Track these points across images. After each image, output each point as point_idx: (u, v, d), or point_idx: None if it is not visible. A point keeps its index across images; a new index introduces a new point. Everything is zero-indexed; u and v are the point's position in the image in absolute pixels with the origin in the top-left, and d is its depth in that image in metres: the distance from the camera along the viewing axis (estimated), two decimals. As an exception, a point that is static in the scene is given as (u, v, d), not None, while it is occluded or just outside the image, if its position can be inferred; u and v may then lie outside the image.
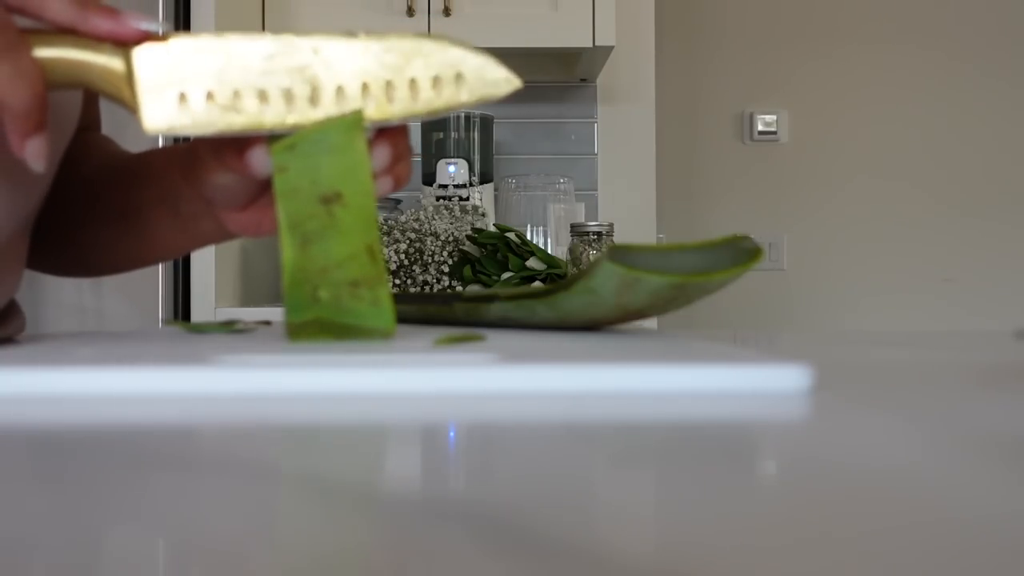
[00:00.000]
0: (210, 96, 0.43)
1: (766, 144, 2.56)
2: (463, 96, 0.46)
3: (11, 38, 0.40)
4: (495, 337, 0.46)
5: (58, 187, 0.61)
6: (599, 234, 1.63)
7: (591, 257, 1.73)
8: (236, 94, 0.43)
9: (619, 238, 2.08)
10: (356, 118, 0.44)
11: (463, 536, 0.15)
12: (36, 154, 0.41)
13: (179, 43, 0.44)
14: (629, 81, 2.17)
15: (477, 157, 2.06)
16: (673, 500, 0.18)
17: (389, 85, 0.45)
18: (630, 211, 2.17)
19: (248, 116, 0.44)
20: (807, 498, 0.18)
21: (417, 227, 1.69)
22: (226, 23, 1.71)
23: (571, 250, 1.65)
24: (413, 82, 0.45)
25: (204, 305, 1.69)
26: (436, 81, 0.46)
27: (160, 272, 1.58)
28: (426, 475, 0.21)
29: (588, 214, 2.13)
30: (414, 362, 0.32)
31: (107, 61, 0.43)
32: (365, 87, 0.45)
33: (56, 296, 1.48)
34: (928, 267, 2.56)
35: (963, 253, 2.56)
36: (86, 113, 0.67)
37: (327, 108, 0.44)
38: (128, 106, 0.44)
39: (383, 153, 0.48)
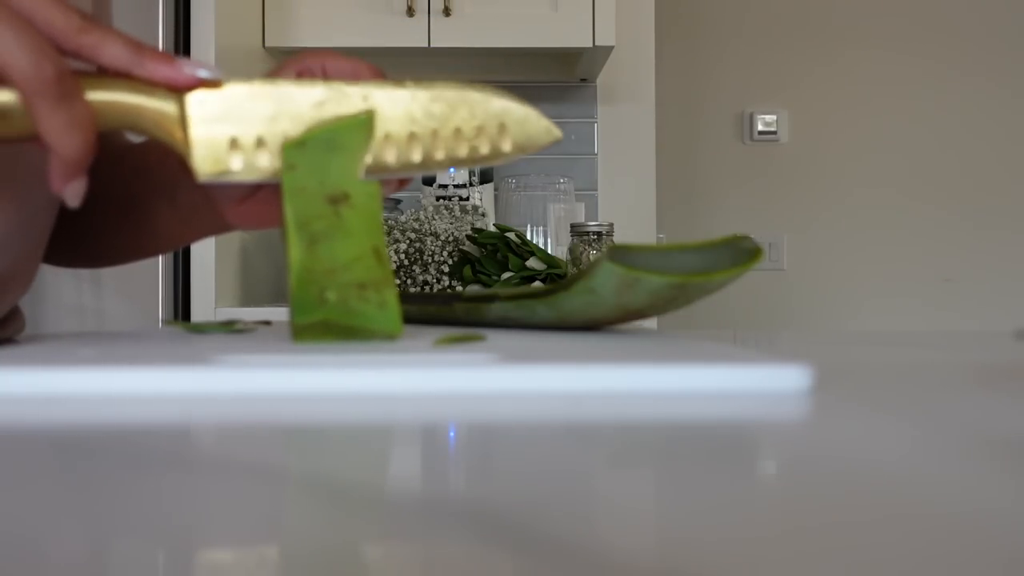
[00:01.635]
0: (260, 143, 0.44)
1: (766, 144, 2.56)
2: (506, 146, 0.47)
3: (68, 86, 0.40)
4: (495, 337, 0.46)
5: None
6: (599, 234, 1.63)
7: (591, 257, 1.73)
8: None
9: (619, 238, 2.08)
10: (368, 118, 0.45)
11: (463, 536, 0.15)
12: (75, 194, 0.42)
13: (232, 89, 0.44)
14: (629, 81, 2.17)
15: (477, 157, 2.05)
16: (673, 500, 0.18)
17: (435, 134, 0.46)
18: (630, 211, 2.17)
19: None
20: (807, 498, 0.18)
21: (417, 227, 1.69)
22: (226, 23, 1.71)
23: (571, 250, 1.65)
24: (458, 131, 0.46)
25: (204, 305, 1.69)
26: (480, 131, 0.47)
27: (160, 272, 1.58)
28: (426, 475, 0.21)
29: (588, 214, 2.13)
30: (415, 362, 0.32)
31: (161, 106, 0.43)
32: (412, 135, 0.46)
33: (56, 296, 1.48)
34: (928, 267, 2.56)
35: (963, 253, 2.56)
36: None
37: (376, 156, 0.45)
38: (179, 150, 0.44)
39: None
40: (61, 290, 1.51)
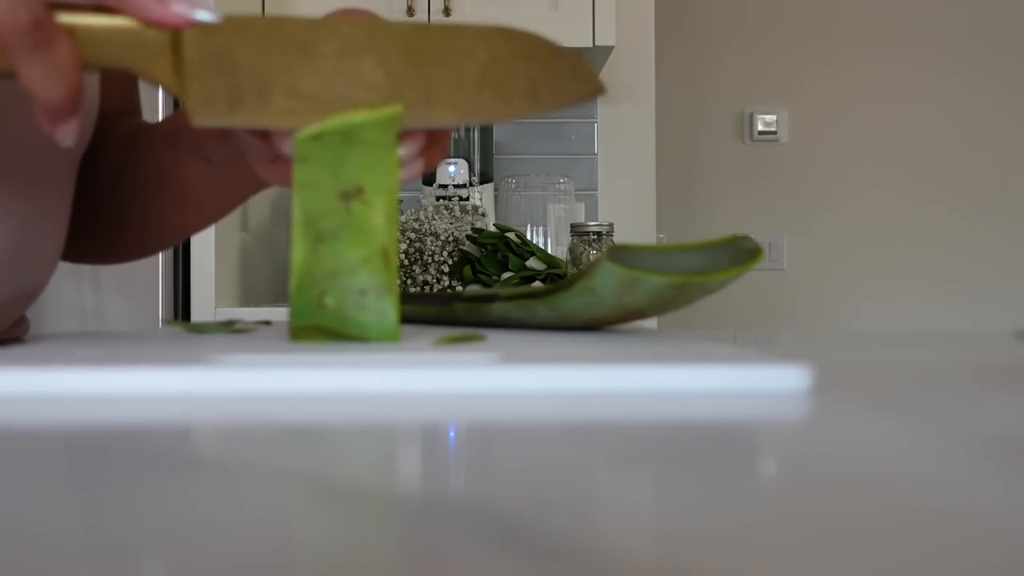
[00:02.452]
0: (262, 91, 0.41)
1: (766, 144, 2.56)
2: (543, 99, 0.44)
3: (46, 33, 0.37)
4: (495, 337, 0.46)
5: (87, 174, 0.61)
6: (599, 234, 1.63)
7: (591, 257, 1.73)
8: (290, 93, 0.41)
9: (619, 238, 2.08)
10: (394, 115, 0.42)
11: (463, 535, 0.15)
12: (67, 135, 0.40)
13: (231, 25, 0.41)
14: (629, 81, 2.17)
15: (477, 157, 2.06)
16: (673, 500, 0.18)
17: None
18: (630, 211, 2.17)
19: (300, 117, 0.42)
20: (807, 498, 0.18)
21: (417, 227, 1.69)
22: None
23: (571, 250, 1.65)
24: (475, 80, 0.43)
25: (204, 305, 1.69)
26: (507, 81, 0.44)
27: (160, 272, 1.58)
28: (427, 475, 0.21)
29: (588, 214, 2.13)
30: (415, 362, 0.32)
31: (152, 46, 0.40)
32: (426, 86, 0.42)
33: (57, 297, 1.49)
34: (928, 267, 2.56)
35: (963, 253, 2.56)
36: (124, 97, 0.67)
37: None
38: (173, 93, 0.41)
39: (415, 145, 0.46)
40: (61, 291, 1.51)
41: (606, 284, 0.44)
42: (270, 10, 1.94)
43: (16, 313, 0.58)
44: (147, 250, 0.70)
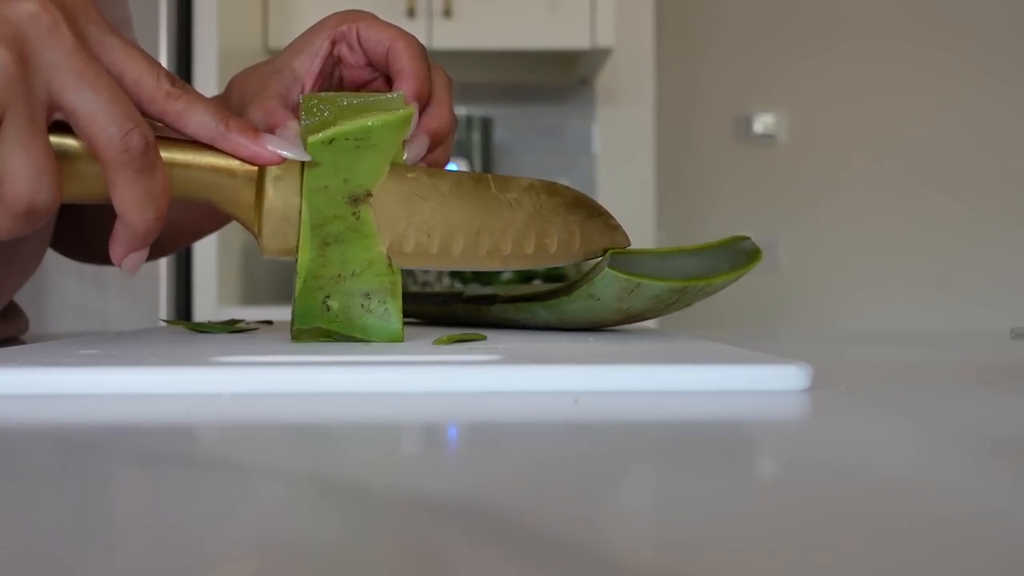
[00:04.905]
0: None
1: (764, 145, 2.56)
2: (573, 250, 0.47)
3: (152, 159, 0.38)
4: (496, 337, 0.46)
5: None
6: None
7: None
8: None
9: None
10: (407, 117, 0.43)
11: (463, 535, 0.15)
12: (133, 265, 0.41)
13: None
14: (628, 83, 2.17)
15: (477, 158, 2.06)
16: (672, 499, 0.18)
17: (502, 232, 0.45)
18: (629, 211, 2.17)
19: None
20: (806, 497, 0.18)
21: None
22: (228, 25, 1.71)
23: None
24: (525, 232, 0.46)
25: (206, 305, 1.69)
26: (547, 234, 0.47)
27: (163, 272, 1.58)
28: (427, 474, 0.21)
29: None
30: (415, 362, 0.32)
31: (238, 181, 0.42)
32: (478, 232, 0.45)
33: (59, 296, 1.49)
34: (925, 267, 2.56)
35: (960, 253, 2.56)
36: None
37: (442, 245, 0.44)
38: (247, 227, 0.43)
39: (420, 146, 0.46)
40: (64, 290, 1.51)
41: (607, 290, 0.44)
42: (273, 12, 1.94)
43: (9, 292, 0.59)
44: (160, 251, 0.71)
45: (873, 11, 2.56)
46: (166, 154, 0.40)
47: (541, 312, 0.49)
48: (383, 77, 0.52)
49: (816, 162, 2.56)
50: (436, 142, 0.48)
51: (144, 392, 0.30)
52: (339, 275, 0.43)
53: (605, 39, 1.93)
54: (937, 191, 2.56)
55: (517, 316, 0.51)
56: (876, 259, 2.56)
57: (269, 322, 0.63)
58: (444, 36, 1.89)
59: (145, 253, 0.40)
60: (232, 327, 0.53)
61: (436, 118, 0.48)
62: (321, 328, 0.43)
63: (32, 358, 0.33)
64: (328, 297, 0.43)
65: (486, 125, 2.07)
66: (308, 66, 0.51)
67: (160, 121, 0.40)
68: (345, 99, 0.45)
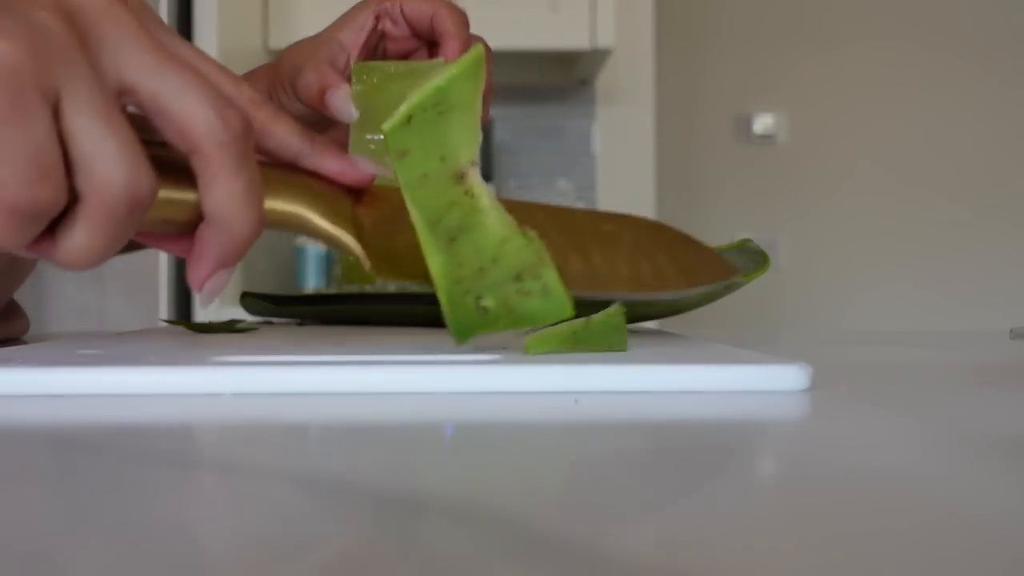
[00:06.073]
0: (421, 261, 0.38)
1: (764, 145, 2.56)
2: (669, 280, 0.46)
3: (251, 146, 0.32)
4: (496, 336, 0.46)
5: None
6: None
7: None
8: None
9: (619, 239, 2.07)
10: (478, 59, 0.35)
11: (463, 535, 0.15)
12: (216, 288, 0.34)
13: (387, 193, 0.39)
14: (628, 83, 2.17)
15: (478, 157, 2.05)
16: (672, 499, 0.18)
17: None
18: (629, 211, 2.17)
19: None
20: (806, 497, 0.18)
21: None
22: (229, 25, 1.71)
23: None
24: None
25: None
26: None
27: (163, 272, 1.58)
28: (427, 474, 0.21)
29: (588, 215, 2.12)
30: (416, 362, 0.32)
31: (333, 203, 0.37)
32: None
33: (59, 296, 1.49)
34: (925, 268, 2.56)
35: (959, 254, 2.56)
36: None
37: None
38: (348, 251, 0.38)
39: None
40: (64, 290, 1.51)
41: None
42: (273, 12, 1.94)
43: (8, 291, 0.59)
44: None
45: (873, 12, 2.56)
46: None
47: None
48: (426, 47, 0.54)
49: (816, 162, 2.56)
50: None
51: (144, 392, 0.30)
52: (480, 268, 0.36)
53: (605, 39, 1.93)
54: (937, 192, 2.56)
55: None
56: (876, 259, 2.56)
57: (270, 322, 0.63)
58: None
59: (232, 272, 0.34)
60: (233, 327, 0.53)
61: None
62: (485, 333, 0.38)
63: (32, 358, 0.33)
64: (479, 298, 0.37)
65: (485, 125, 2.07)
66: (354, 39, 0.52)
67: None
68: (393, 67, 0.45)
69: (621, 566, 0.14)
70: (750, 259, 0.47)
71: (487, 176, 2.07)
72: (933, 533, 0.16)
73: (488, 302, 0.37)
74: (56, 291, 1.50)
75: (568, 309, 0.37)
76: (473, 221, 0.36)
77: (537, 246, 0.36)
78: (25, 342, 0.56)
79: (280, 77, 0.54)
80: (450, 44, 0.50)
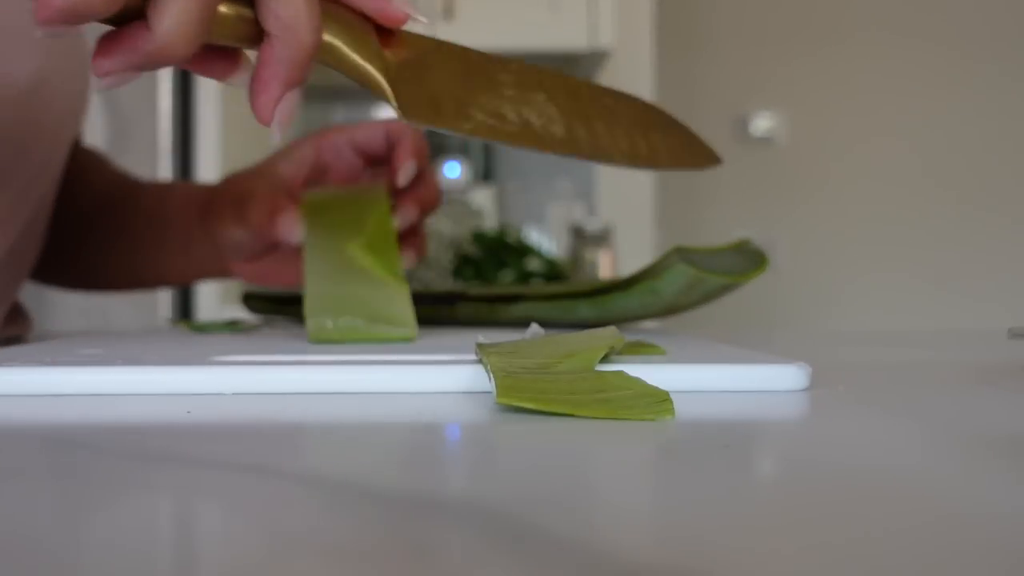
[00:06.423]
0: (461, 106, 0.40)
1: (763, 146, 2.56)
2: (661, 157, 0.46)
3: None
4: (496, 335, 0.46)
5: (61, 207, 0.62)
6: (598, 234, 1.63)
7: (591, 257, 1.73)
8: (486, 111, 0.41)
9: (619, 238, 2.08)
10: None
11: (463, 535, 0.15)
12: (286, 116, 0.35)
13: (425, 44, 0.41)
14: (628, 84, 2.17)
15: (478, 157, 2.06)
16: (671, 498, 0.19)
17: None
18: (629, 212, 2.17)
19: (498, 133, 0.41)
20: (805, 497, 0.18)
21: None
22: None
23: (571, 250, 1.65)
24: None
25: (208, 304, 1.69)
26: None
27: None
28: (428, 474, 0.21)
29: (587, 214, 2.13)
30: (416, 361, 0.32)
31: (362, 41, 0.37)
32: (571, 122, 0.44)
33: (62, 295, 1.49)
34: (924, 267, 2.56)
35: (960, 254, 2.56)
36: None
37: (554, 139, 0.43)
38: (375, 87, 0.38)
39: (408, 170, 0.53)
40: (94, 293, 1.51)
41: (672, 285, 0.45)
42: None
43: (11, 293, 0.59)
44: (100, 290, 0.74)
45: (873, 12, 2.56)
46: None
47: (583, 309, 0.49)
48: (368, 169, 0.58)
49: (815, 163, 2.56)
50: (421, 165, 0.55)
51: (145, 392, 0.30)
52: (344, 306, 0.44)
53: (604, 40, 1.93)
54: (936, 192, 2.56)
55: (549, 314, 0.51)
56: (874, 259, 2.56)
57: (271, 322, 0.63)
58: (445, 37, 1.89)
59: (297, 98, 0.35)
60: (234, 327, 0.53)
61: (415, 150, 0.54)
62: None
63: (34, 357, 0.33)
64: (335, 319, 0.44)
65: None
66: (295, 171, 0.56)
67: None
68: (338, 194, 0.52)
69: (620, 566, 0.14)
70: (749, 259, 0.47)
71: (487, 176, 2.07)
72: (932, 533, 0.16)
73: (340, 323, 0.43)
74: (59, 291, 1.50)
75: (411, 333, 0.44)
76: (359, 277, 0.46)
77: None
78: (27, 341, 0.56)
79: (221, 206, 0.57)
80: (403, 143, 0.55)
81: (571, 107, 0.43)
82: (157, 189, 0.66)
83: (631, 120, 0.46)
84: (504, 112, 0.41)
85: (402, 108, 0.38)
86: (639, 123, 0.46)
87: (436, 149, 2.03)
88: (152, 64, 0.32)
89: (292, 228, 0.53)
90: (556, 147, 0.42)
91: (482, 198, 1.99)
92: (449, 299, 0.56)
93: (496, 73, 0.42)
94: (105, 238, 0.65)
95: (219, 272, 0.62)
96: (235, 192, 0.57)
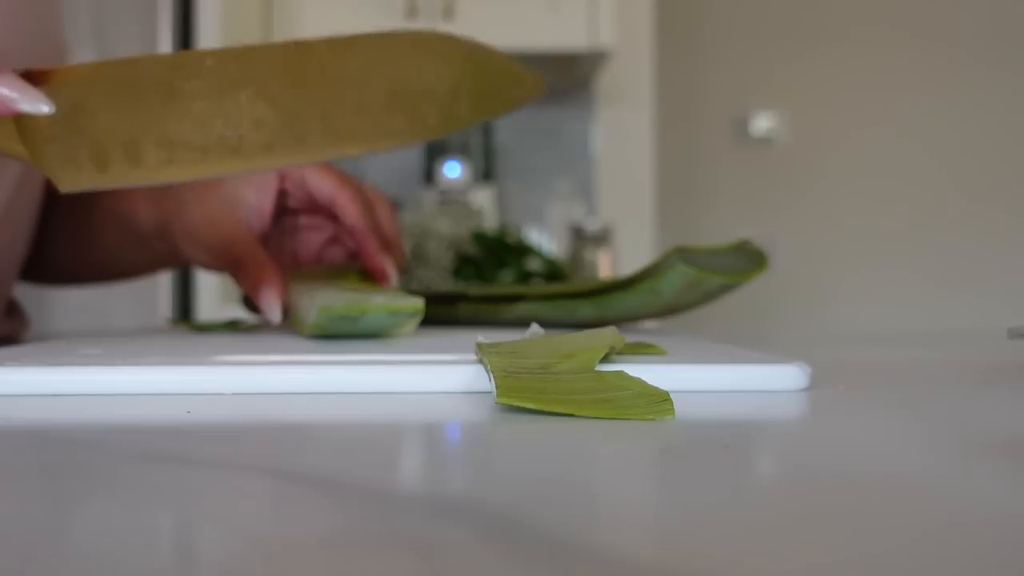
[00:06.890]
0: (130, 145, 0.35)
1: (763, 146, 2.56)
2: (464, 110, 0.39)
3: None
4: (497, 335, 0.46)
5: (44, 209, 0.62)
6: (598, 234, 1.63)
7: (591, 257, 1.73)
8: (162, 143, 0.35)
9: (618, 238, 2.08)
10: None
11: (463, 535, 0.16)
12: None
13: (76, 75, 0.34)
14: (628, 83, 2.18)
15: (478, 158, 2.06)
16: (671, 499, 0.19)
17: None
18: (629, 212, 2.17)
19: (179, 168, 0.36)
20: (805, 497, 0.18)
21: (416, 231, 1.70)
22: (230, 25, 1.71)
23: (571, 250, 1.65)
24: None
25: (209, 304, 1.69)
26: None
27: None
28: (428, 474, 0.21)
29: (587, 214, 2.13)
30: (416, 361, 0.32)
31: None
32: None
33: (61, 295, 1.49)
34: (924, 268, 2.56)
35: (960, 254, 2.56)
36: None
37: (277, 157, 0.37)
38: (26, 160, 0.34)
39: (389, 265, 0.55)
40: (66, 289, 1.51)
41: (672, 285, 0.45)
42: (276, 12, 1.94)
43: (6, 290, 0.59)
44: (62, 286, 0.74)
45: (872, 13, 2.56)
46: None
47: (583, 309, 0.49)
48: (328, 220, 0.58)
49: (814, 163, 2.56)
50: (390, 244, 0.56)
51: (145, 392, 0.30)
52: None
53: (605, 40, 1.93)
54: (935, 192, 2.56)
55: (549, 314, 0.51)
56: (874, 259, 2.56)
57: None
58: (444, 36, 1.90)
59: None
60: (234, 327, 0.53)
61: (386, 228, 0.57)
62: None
63: (33, 357, 0.33)
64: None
65: (486, 126, 2.07)
66: (261, 200, 0.54)
67: None
68: (319, 275, 0.53)
69: (619, 566, 0.14)
70: (749, 259, 0.47)
71: (487, 176, 2.07)
72: (932, 533, 0.16)
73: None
74: (58, 291, 1.50)
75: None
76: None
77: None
78: (26, 341, 0.56)
79: (182, 226, 0.55)
80: (354, 237, 0.55)
81: (291, 97, 0.36)
82: (112, 193, 0.66)
83: (392, 82, 0.38)
84: (188, 136, 0.35)
85: (56, 176, 0.34)
86: (404, 84, 0.38)
87: (436, 149, 2.03)
88: None
89: (273, 307, 0.49)
90: (259, 162, 0.36)
91: (482, 198, 1.99)
92: (449, 299, 0.56)
93: (182, 83, 0.35)
94: (63, 230, 0.65)
95: (185, 262, 0.62)
96: (203, 214, 0.53)
